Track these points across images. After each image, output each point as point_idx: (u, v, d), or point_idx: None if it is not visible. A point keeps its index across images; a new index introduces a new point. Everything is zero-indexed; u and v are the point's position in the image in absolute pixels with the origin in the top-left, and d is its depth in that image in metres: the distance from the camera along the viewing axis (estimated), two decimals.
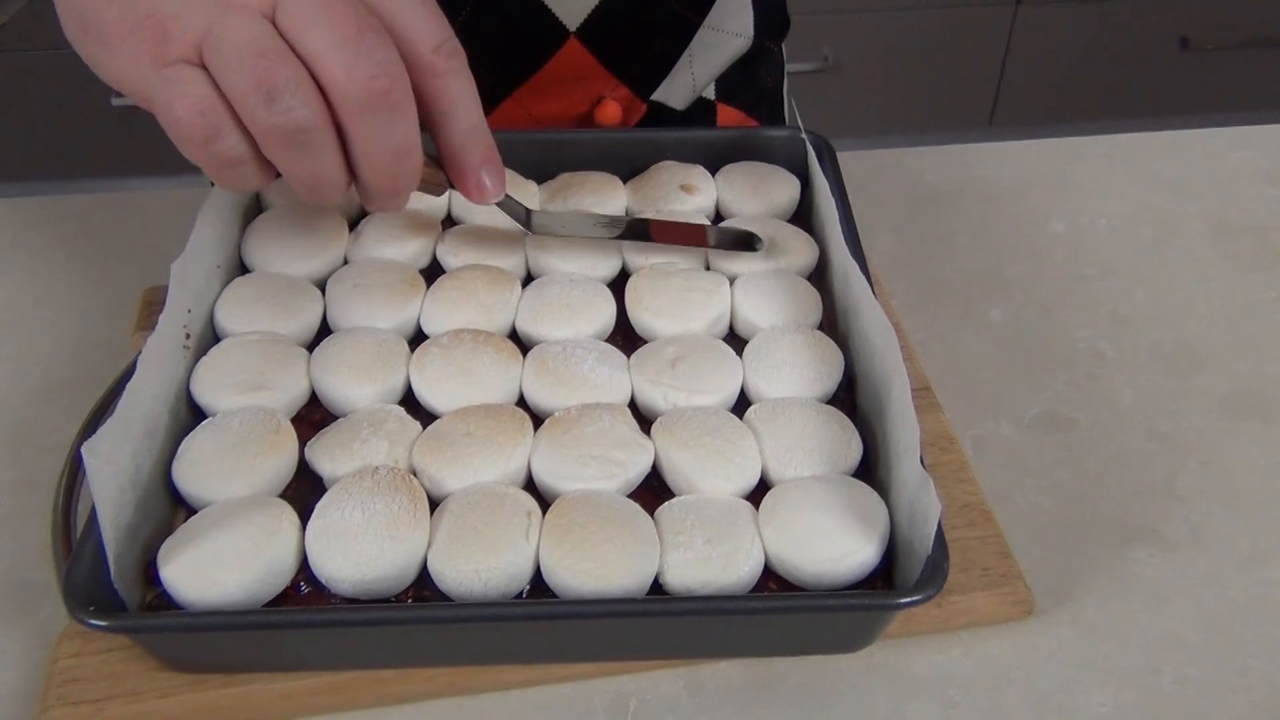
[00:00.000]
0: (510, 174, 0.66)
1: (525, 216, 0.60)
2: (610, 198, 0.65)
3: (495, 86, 0.75)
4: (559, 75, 0.74)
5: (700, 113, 0.83)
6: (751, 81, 0.85)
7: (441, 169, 0.54)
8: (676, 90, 0.80)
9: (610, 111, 0.77)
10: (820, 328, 0.59)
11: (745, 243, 0.61)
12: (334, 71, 0.44)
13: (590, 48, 0.73)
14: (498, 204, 0.56)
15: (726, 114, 0.84)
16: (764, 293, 0.59)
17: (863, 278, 0.55)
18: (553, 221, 0.62)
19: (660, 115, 0.80)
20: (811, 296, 0.59)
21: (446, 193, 0.58)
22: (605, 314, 0.59)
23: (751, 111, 0.85)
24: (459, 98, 0.50)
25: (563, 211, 0.63)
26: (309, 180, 0.47)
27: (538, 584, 0.48)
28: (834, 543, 0.47)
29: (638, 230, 0.62)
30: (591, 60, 0.74)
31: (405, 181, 0.49)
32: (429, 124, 0.51)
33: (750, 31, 0.82)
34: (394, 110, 0.46)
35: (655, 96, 0.79)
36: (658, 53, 0.78)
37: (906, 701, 0.50)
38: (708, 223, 0.64)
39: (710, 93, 0.83)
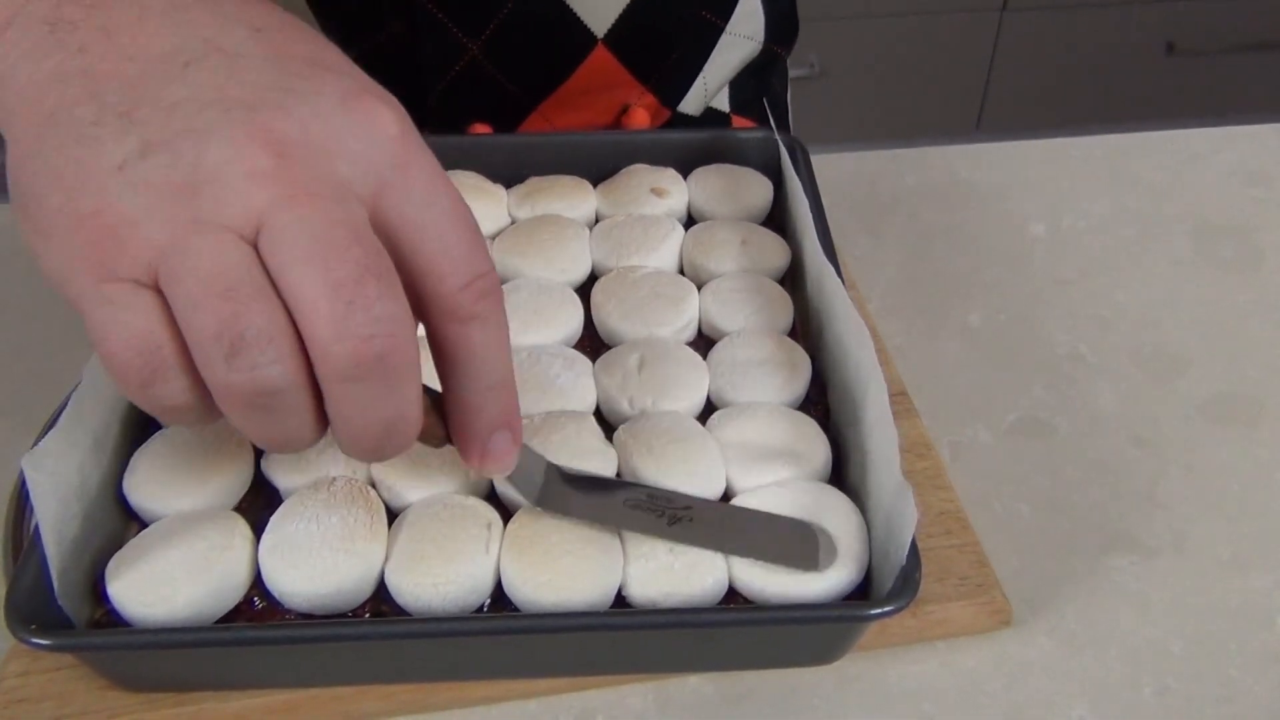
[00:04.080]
0: (477, 178, 0.65)
1: (537, 489, 0.47)
2: (580, 201, 0.64)
3: (521, 100, 0.74)
4: (586, 85, 0.73)
5: (717, 126, 0.82)
6: (765, 91, 0.85)
7: (444, 420, 0.43)
8: (690, 96, 0.79)
9: (639, 119, 0.76)
10: (792, 331, 0.58)
11: (803, 550, 0.46)
12: (318, 324, 0.35)
13: (617, 54, 0.72)
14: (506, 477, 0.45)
15: (741, 125, 0.83)
16: (734, 297, 0.58)
17: (837, 281, 0.54)
18: (570, 502, 0.47)
19: (679, 124, 0.79)
20: (783, 300, 0.58)
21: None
22: (574, 319, 0.58)
23: (764, 122, 0.84)
24: (482, 350, 0.40)
25: (586, 476, 0.49)
26: (270, 441, 0.38)
27: (500, 597, 0.46)
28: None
29: (672, 511, 0.47)
30: (619, 67, 0.73)
31: (391, 451, 0.39)
32: (440, 372, 0.41)
33: (761, 35, 0.81)
34: (388, 379, 0.36)
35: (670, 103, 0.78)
36: (681, 59, 0.77)
37: (881, 715, 0.48)
38: (763, 517, 0.48)
39: (723, 103, 0.82)
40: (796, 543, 0.46)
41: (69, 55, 0.36)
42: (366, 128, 0.37)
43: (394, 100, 0.39)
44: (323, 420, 0.38)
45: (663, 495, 0.48)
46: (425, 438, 0.42)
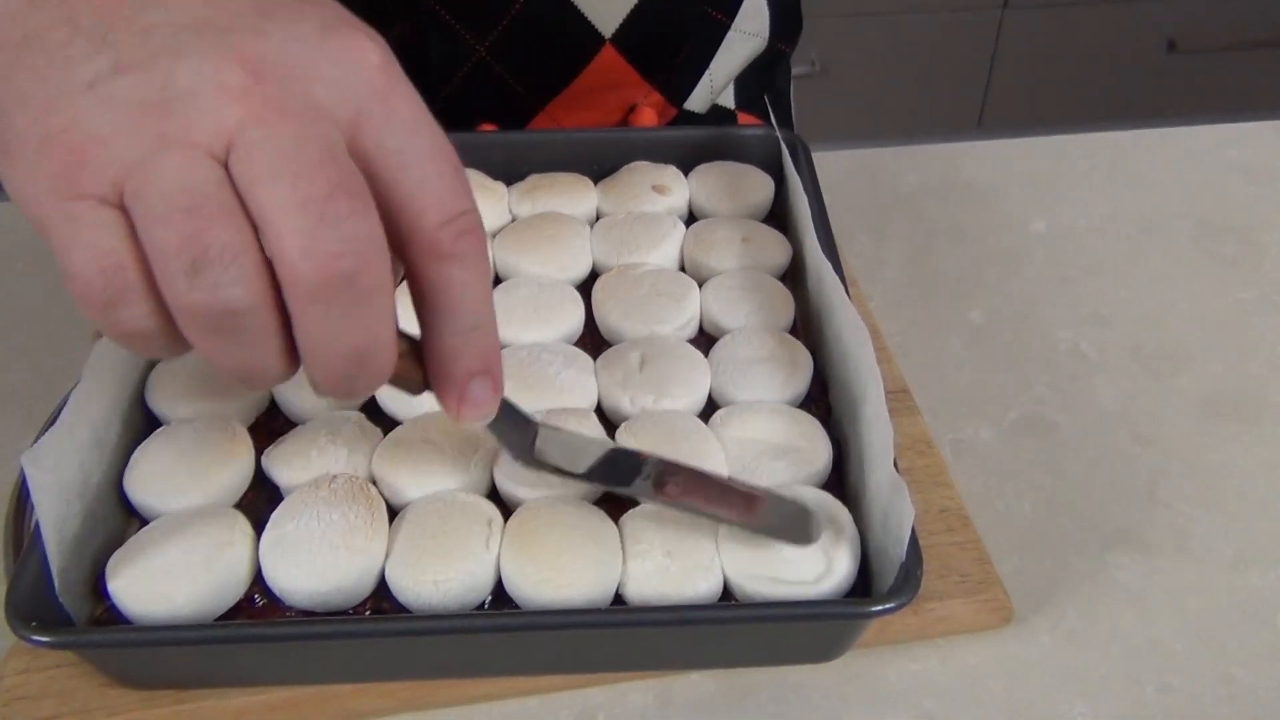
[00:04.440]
0: (478, 175, 0.65)
1: (527, 443, 0.46)
2: (581, 199, 0.64)
3: (529, 101, 0.74)
4: (593, 85, 0.73)
5: (723, 123, 0.82)
6: (770, 88, 0.84)
7: (422, 364, 0.41)
8: (696, 94, 0.79)
9: (646, 117, 0.76)
10: (793, 329, 0.58)
11: (799, 526, 0.46)
12: (285, 241, 0.33)
13: (625, 54, 0.72)
14: (488, 426, 0.43)
15: (747, 122, 0.83)
16: (735, 294, 0.58)
17: (836, 278, 0.54)
18: (556, 461, 0.47)
19: (685, 122, 0.79)
20: (784, 297, 0.58)
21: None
22: (574, 317, 0.57)
23: (769, 118, 0.84)
24: (462, 290, 0.38)
25: (575, 435, 0.48)
26: (236, 369, 0.36)
27: (501, 595, 0.46)
28: (795, 571, 0.46)
29: (661, 477, 0.47)
30: (626, 66, 0.73)
31: (364, 385, 0.38)
32: (419, 315, 0.40)
33: (766, 32, 0.81)
34: (358, 300, 0.35)
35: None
36: (688, 57, 0.77)
37: (882, 713, 0.48)
38: (757, 491, 0.47)
39: (729, 100, 0.82)
40: (787, 517, 0.46)
41: None
42: (346, 56, 0.36)
43: (377, 35, 0.38)
44: (292, 351, 0.36)
45: (653, 459, 0.47)
46: (403, 383, 0.41)
